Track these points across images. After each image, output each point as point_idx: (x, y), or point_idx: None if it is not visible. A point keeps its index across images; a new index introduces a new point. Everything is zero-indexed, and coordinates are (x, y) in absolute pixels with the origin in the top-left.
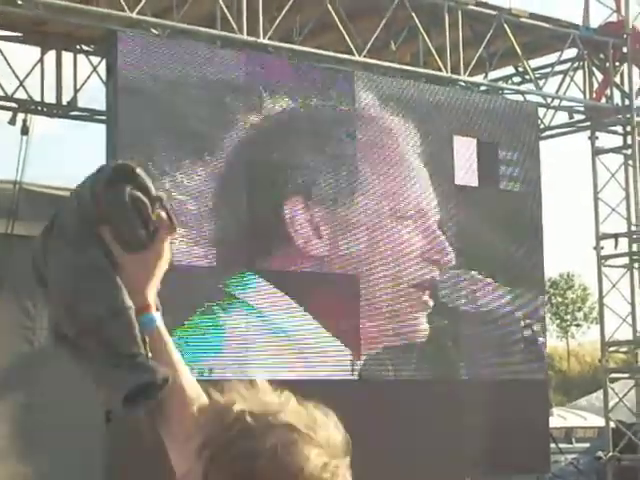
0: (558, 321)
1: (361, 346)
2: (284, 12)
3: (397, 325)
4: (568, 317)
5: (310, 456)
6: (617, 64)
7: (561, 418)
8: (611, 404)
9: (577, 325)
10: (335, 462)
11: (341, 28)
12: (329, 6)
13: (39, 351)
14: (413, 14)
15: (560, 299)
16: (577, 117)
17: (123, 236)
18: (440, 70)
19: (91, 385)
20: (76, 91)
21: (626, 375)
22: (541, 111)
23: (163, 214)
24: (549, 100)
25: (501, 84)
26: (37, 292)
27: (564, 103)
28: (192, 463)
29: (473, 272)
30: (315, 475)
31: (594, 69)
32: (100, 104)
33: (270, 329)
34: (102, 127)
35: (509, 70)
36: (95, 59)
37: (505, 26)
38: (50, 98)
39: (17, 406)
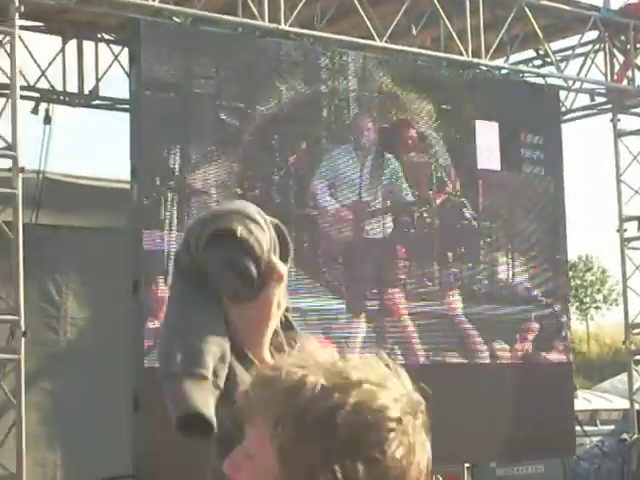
0: (577, 303)
1: (389, 330)
2: None
3: (424, 307)
4: (587, 299)
5: (390, 405)
6: (638, 46)
7: (586, 401)
8: (635, 386)
9: (596, 307)
10: (409, 418)
11: (362, 13)
12: None
13: (65, 339)
14: None
15: (579, 281)
16: (598, 99)
17: (225, 292)
18: (461, 54)
19: (122, 373)
20: (98, 80)
21: None
22: (562, 94)
23: (274, 264)
24: (570, 83)
25: (522, 67)
26: (60, 281)
27: (585, 85)
28: (257, 450)
29: (496, 254)
30: (394, 426)
31: (615, 51)
32: (121, 93)
33: (297, 313)
34: (125, 116)
35: (530, 53)
36: (116, 48)
37: (526, 9)
38: (72, 87)
39: (45, 394)
